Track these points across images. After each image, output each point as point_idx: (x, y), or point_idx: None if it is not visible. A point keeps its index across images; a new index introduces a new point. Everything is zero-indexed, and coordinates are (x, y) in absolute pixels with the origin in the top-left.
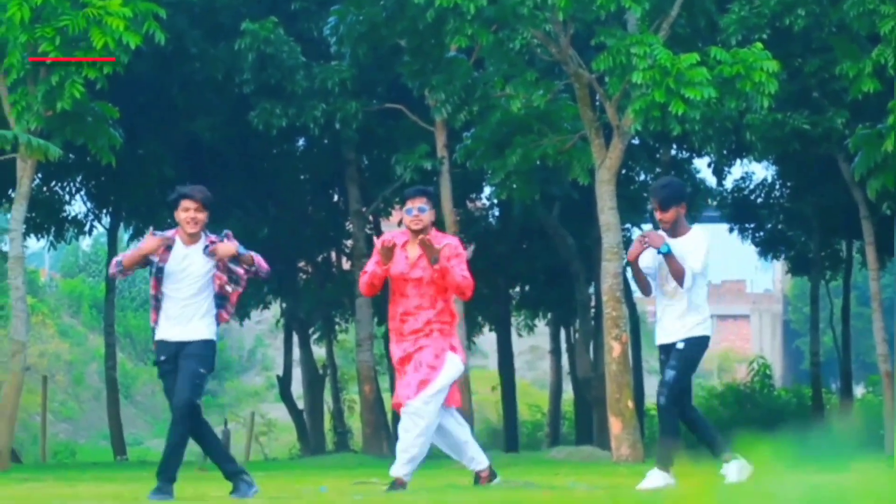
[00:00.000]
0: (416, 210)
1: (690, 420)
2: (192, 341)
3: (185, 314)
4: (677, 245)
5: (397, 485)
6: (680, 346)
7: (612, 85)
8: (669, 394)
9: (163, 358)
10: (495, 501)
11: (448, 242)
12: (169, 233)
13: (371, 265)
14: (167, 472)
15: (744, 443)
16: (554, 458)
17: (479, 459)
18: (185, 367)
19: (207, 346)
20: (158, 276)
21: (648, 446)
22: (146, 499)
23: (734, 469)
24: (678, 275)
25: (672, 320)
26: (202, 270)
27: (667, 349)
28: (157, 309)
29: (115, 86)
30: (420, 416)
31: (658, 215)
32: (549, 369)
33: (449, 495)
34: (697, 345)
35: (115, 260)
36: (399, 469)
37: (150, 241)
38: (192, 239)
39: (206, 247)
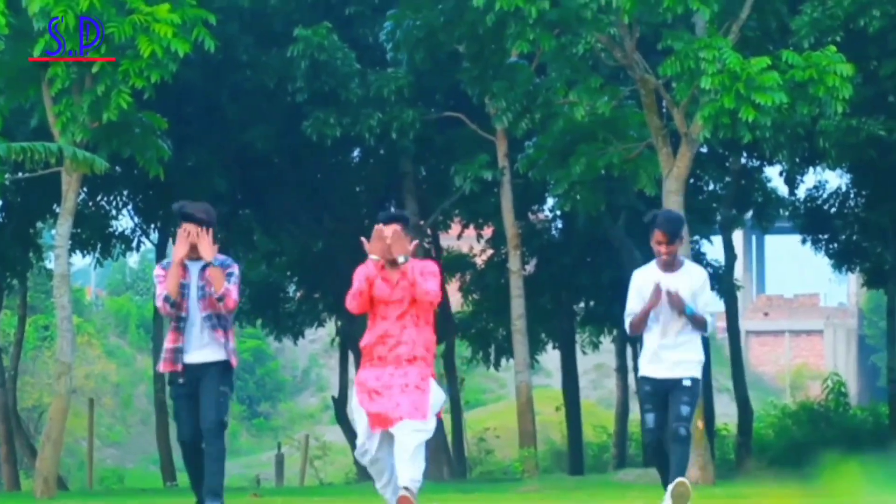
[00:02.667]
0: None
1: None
2: (212, 363)
3: (204, 336)
4: (678, 280)
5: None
6: (688, 383)
7: (680, 91)
8: (690, 426)
9: (181, 381)
10: None
11: (422, 266)
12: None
13: (357, 286)
14: (213, 489)
15: (828, 464)
16: (621, 480)
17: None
18: (209, 388)
19: (226, 366)
20: (185, 293)
21: (719, 468)
22: None
23: None
24: (700, 325)
25: (675, 356)
26: (198, 284)
27: (659, 383)
28: (178, 330)
29: (163, 95)
30: (425, 432)
31: (664, 248)
32: (614, 388)
33: None
34: (699, 384)
35: (159, 295)
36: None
37: (178, 249)
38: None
39: (203, 266)
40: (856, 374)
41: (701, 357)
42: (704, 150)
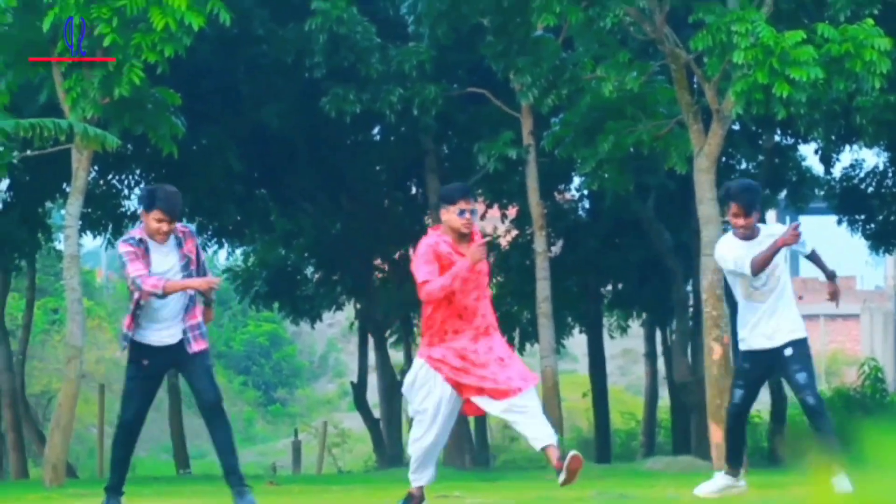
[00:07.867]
0: (469, 213)
1: (742, 425)
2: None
3: (177, 318)
4: (762, 247)
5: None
6: (789, 351)
7: (712, 65)
8: (817, 392)
9: (146, 362)
10: None
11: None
12: (135, 232)
13: (436, 276)
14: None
15: (871, 441)
16: (650, 468)
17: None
18: (202, 365)
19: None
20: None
21: (751, 456)
22: None
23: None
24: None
25: (776, 323)
26: (179, 264)
27: (762, 355)
28: (136, 316)
29: (177, 71)
30: (534, 402)
31: (742, 220)
32: (643, 374)
33: None
34: (807, 343)
35: (134, 277)
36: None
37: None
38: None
39: (177, 238)
40: (893, 359)
41: (799, 315)
42: (737, 127)
